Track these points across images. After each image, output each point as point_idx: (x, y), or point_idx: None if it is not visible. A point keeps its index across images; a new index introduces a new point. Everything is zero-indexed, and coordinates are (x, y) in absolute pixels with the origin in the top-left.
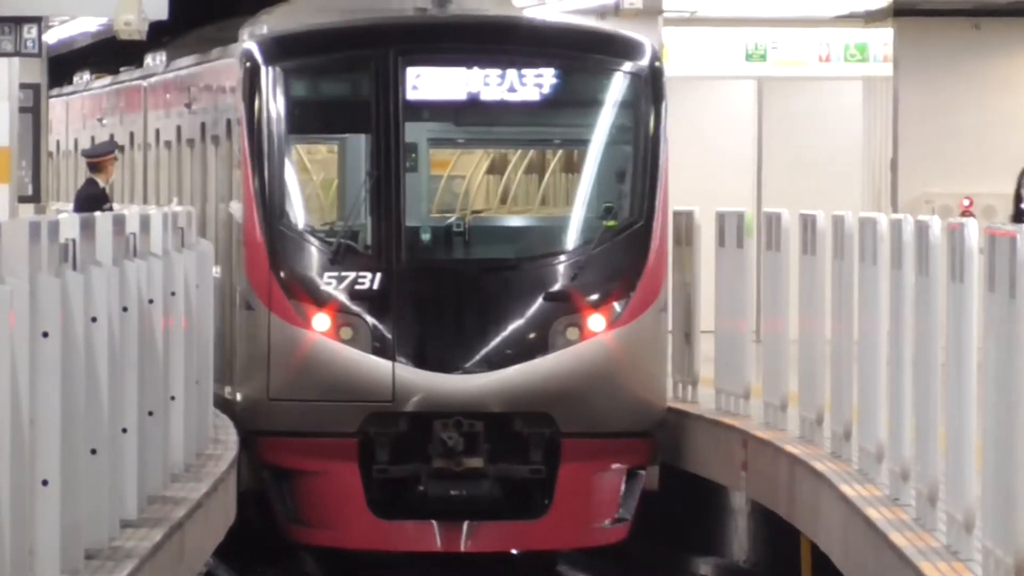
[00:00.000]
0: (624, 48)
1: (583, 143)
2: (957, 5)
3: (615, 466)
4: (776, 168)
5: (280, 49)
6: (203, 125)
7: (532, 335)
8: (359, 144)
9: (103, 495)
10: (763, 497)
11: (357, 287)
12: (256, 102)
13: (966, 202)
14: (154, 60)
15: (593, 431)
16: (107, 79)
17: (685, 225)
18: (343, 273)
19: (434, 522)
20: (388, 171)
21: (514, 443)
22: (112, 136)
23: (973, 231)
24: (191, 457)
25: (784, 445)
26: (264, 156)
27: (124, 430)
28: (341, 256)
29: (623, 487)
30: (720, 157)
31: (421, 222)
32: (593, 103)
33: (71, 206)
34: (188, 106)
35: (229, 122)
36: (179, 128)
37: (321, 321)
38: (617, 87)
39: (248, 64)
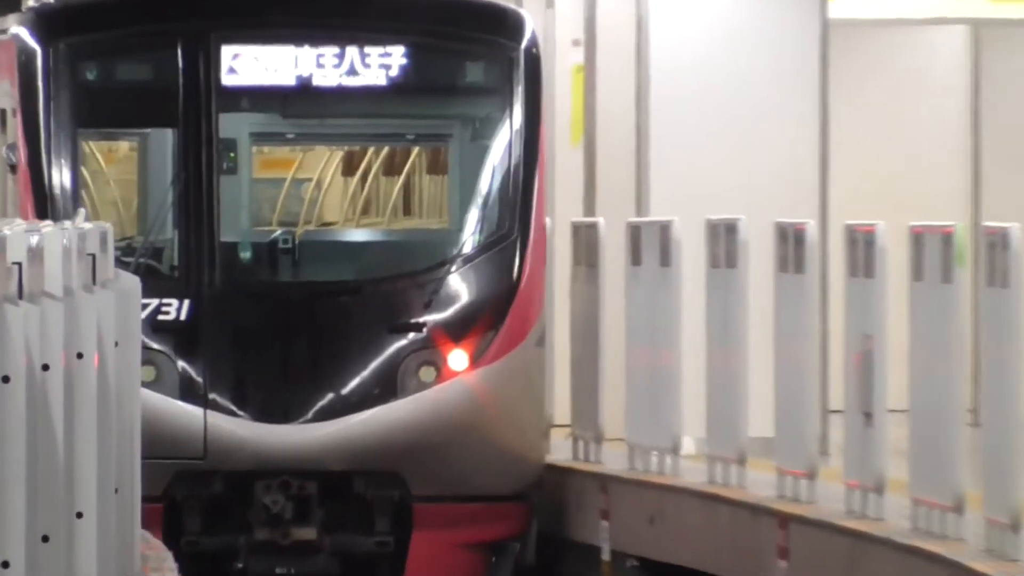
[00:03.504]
0: (492, 22)
1: (440, 139)
2: None
3: (480, 537)
4: (999, 156)
5: (65, 23)
6: None
7: (378, 376)
8: (164, 140)
9: None
10: None
11: (161, 317)
12: (35, 88)
13: None
14: None
15: (453, 494)
16: None
17: (864, 247)
18: (144, 300)
19: None
20: (199, 173)
21: (355, 509)
22: None
23: None
24: None
25: None
26: (46, 155)
27: (5, 564)
28: (140, 278)
29: (491, 563)
30: (914, 141)
31: (240, 236)
32: (452, 90)
33: None
34: None
35: (3, 113)
36: None
37: None
38: (483, 70)
39: (25, 41)
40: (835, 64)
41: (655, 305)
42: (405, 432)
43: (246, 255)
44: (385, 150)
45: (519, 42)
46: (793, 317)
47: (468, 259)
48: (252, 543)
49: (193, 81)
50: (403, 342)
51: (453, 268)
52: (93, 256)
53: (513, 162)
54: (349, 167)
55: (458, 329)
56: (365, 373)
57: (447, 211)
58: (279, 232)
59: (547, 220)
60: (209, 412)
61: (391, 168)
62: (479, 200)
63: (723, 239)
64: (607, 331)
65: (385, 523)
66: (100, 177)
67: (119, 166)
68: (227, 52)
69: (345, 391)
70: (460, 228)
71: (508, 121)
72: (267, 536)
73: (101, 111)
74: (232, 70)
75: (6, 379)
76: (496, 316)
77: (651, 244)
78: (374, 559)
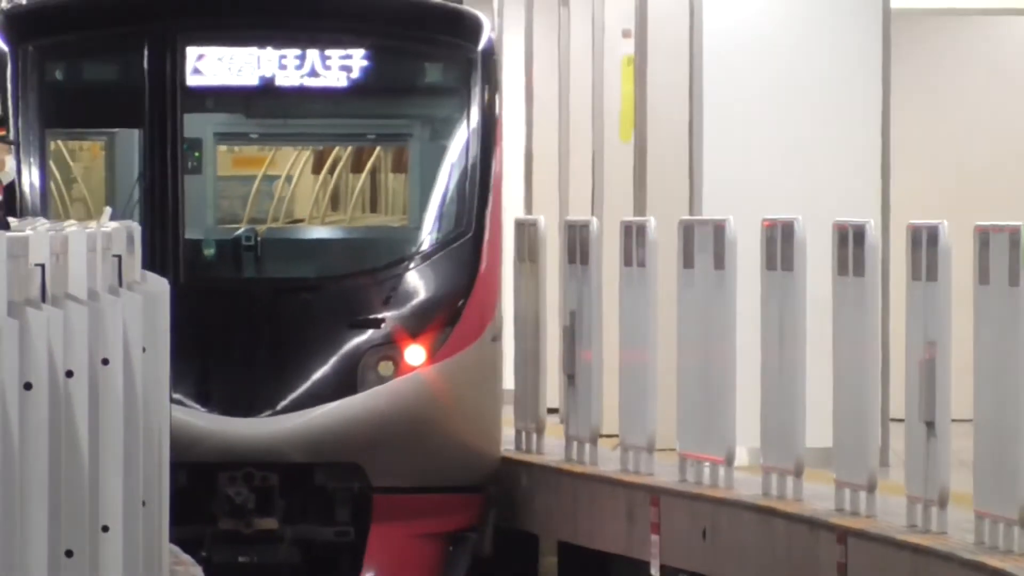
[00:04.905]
0: (450, 24)
1: (399, 139)
2: None
3: (437, 527)
4: None
5: (34, 25)
6: None
7: (338, 370)
8: (131, 140)
9: None
10: None
11: None
12: (4, 89)
13: None
14: None
15: (411, 485)
16: None
17: (927, 248)
18: None
19: None
20: (164, 172)
21: (316, 500)
22: None
23: None
24: None
25: None
26: (16, 154)
27: None
28: None
29: (447, 553)
30: (980, 138)
31: (205, 234)
32: (411, 91)
33: None
34: None
35: None
36: None
37: None
38: (441, 72)
39: None
40: (897, 57)
41: (708, 309)
42: (364, 425)
43: (210, 252)
44: (347, 150)
45: (477, 44)
46: (853, 322)
47: (426, 256)
48: (215, 533)
49: (159, 82)
50: (362, 337)
51: (411, 265)
52: (119, 257)
53: (471, 162)
54: (310, 166)
55: (416, 325)
56: (325, 368)
57: (406, 209)
58: (242, 230)
59: (594, 219)
60: (173, 406)
61: (351, 167)
62: (437, 199)
63: (779, 240)
64: (658, 336)
65: (345, 513)
66: (69, 175)
67: (88, 165)
68: (192, 53)
69: (306, 385)
70: (419, 226)
71: (466, 122)
72: (230, 526)
73: (69, 111)
74: (197, 71)
75: (28, 386)
76: (453, 312)
77: (704, 245)
78: (334, 549)
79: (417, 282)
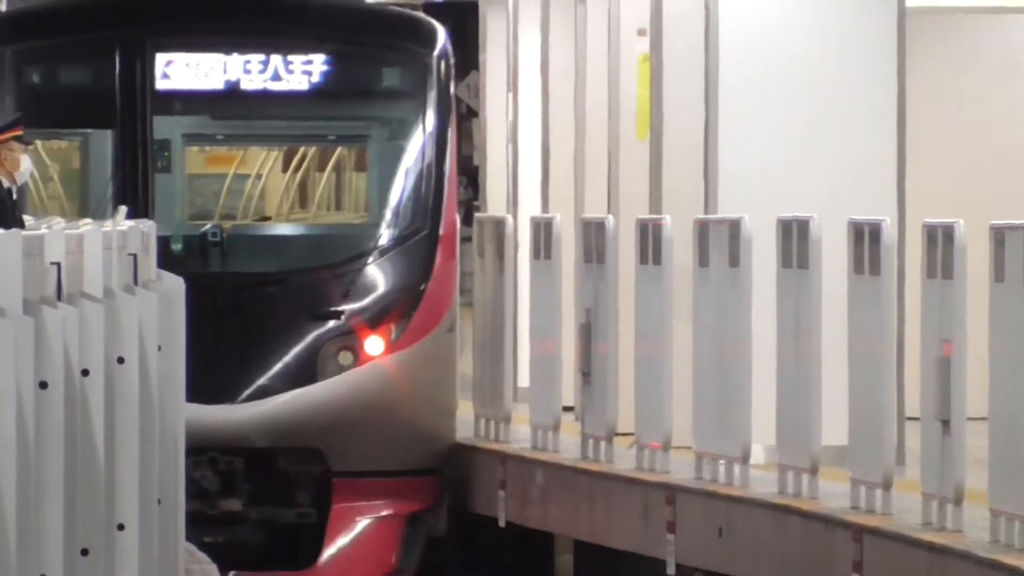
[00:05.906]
0: (407, 31)
1: (358, 140)
2: None
3: (394, 509)
4: None
5: (13, 30)
6: None
7: (300, 360)
8: (104, 140)
9: None
10: None
11: None
12: None
13: None
14: None
15: (369, 469)
16: None
17: (942, 246)
18: None
19: None
20: (135, 172)
21: (278, 483)
22: None
23: None
24: None
25: None
26: None
27: None
28: None
29: (404, 533)
30: (996, 137)
31: (173, 230)
32: (369, 94)
33: None
34: None
35: None
36: None
37: None
38: (397, 76)
39: None
40: (912, 56)
41: (724, 307)
42: (324, 412)
43: (177, 247)
44: (309, 150)
45: (432, 49)
46: (868, 320)
47: (383, 252)
48: None
49: (130, 86)
50: (323, 329)
51: (370, 260)
52: (135, 256)
53: (426, 161)
54: (274, 166)
55: (374, 317)
56: (288, 358)
57: (365, 207)
58: (209, 226)
59: (610, 218)
60: None
61: (313, 166)
62: (394, 197)
63: (795, 238)
64: (674, 334)
65: (306, 496)
66: (45, 174)
67: (59, 165)
68: (161, 59)
69: (269, 374)
70: (376, 223)
71: (421, 123)
72: (196, 508)
73: (46, 112)
74: (166, 75)
75: (43, 385)
76: (409, 305)
77: (719, 243)
78: (296, 529)
79: (375, 276)
